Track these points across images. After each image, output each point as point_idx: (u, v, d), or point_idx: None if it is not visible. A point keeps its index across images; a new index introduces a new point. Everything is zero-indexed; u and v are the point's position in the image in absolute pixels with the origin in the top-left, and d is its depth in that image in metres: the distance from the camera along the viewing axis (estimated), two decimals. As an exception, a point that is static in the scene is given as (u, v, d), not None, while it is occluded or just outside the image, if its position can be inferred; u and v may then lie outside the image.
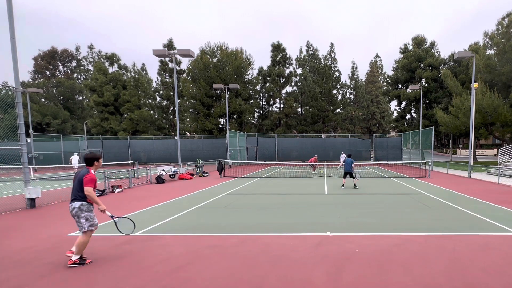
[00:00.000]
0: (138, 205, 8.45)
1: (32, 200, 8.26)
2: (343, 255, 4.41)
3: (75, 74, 54.50)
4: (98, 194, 10.21)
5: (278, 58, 40.35)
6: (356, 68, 54.33)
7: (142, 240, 5.27)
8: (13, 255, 4.54)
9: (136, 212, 7.43)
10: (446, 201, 8.96)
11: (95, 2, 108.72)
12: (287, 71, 41.52)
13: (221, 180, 15.05)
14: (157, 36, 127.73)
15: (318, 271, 3.86)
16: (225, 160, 18.17)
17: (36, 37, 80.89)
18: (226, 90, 25.68)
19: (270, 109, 43.08)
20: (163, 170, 14.68)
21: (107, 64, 40.23)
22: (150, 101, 42.14)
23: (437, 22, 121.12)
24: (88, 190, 3.98)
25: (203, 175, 17.55)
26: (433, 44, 40.06)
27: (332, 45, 48.41)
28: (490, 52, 28.80)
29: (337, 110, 42.25)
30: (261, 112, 42.74)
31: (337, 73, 44.57)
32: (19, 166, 8.48)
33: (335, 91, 41.96)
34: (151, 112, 40.78)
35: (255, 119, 42.61)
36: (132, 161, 22.98)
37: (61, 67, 54.07)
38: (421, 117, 25.99)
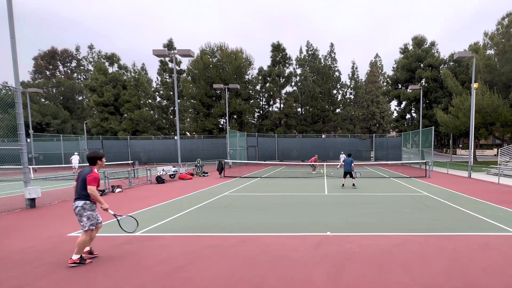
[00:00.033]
0: (138, 205, 8.45)
1: (32, 200, 8.26)
2: (343, 255, 4.41)
3: (75, 74, 54.51)
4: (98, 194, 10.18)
5: (278, 58, 40.35)
6: (356, 68, 54.39)
7: (142, 240, 5.27)
8: (13, 255, 4.54)
9: (136, 212, 7.43)
10: (446, 201, 8.96)
11: (95, 2, 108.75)
12: (287, 71, 41.54)
13: (221, 180, 15.05)
14: (157, 36, 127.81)
15: (318, 271, 3.86)
16: (225, 160, 18.18)
17: (36, 37, 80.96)
18: (226, 90, 25.68)
19: (270, 109, 43.09)
20: (163, 170, 14.68)
21: (107, 64, 40.24)
22: (150, 101, 42.14)
23: (437, 22, 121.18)
24: (91, 189, 4.01)
25: (203, 175, 17.55)
26: (433, 44, 40.08)
27: (332, 45, 48.46)
28: (490, 52, 28.81)
29: (337, 110, 42.25)
30: (261, 112, 42.74)
31: (337, 73, 44.58)
32: (19, 166, 8.49)
33: (335, 91, 41.97)
34: (151, 112, 40.78)
35: (255, 119, 42.61)
36: (132, 161, 22.99)
37: (61, 67, 54.08)
38: (421, 117, 25.99)
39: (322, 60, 43.90)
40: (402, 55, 41.33)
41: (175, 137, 27.40)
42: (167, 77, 42.00)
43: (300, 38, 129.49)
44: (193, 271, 3.87)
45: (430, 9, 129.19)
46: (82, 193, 4.07)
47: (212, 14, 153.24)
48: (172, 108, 43.28)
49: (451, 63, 38.85)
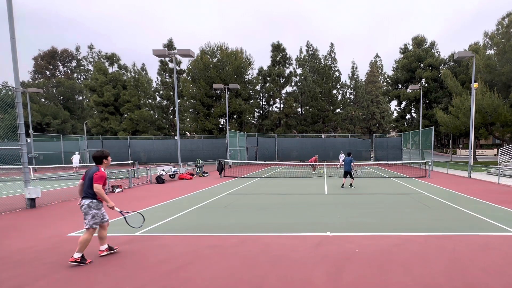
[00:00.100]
0: (138, 205, 8.45)
1: (32, 200, 8.26)
2: (343, 255, 4.41)
3: (75, 74, 54.51)
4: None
5: (278, 58, 40.35)
6: (356, 68, 54.41)
7: (142, 240, 5.27)
8: (13, 255, 4.54)
9: (135, 212, 7.42)
10: (446, 201, 8.96)
11: (95, 2, 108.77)
12: (287, 71, 41.54)
13: (221, 180, 15.05)
14: (157, 36, 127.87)
15: (318, 271, 3.86)
16: (225, 160, 18.18)
17: (36, 37, 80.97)
18: (226, 90, 25.68)
19: (270, 109, 43.08)
20: (163, 170, 14.68)
21: (107, 64, 40.22)
22: (150, 101, 42.13)
23: (437, 22, 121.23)
24: (97, 187, 4.06)
25: (203, 175, 17.55)
26: (433, 44, 40.08)
27: (332, 45, 48.49)
28: (490, 52, 28.81)
29: (337, 110, 42.25)
30: (261, 112, 42.74)
31: (337, 73, 44.59)
32: (19, 166, 8.49)
33: (335, 91, 41.97)
34: (151, 112, 40.77)
35: (255, 119, 42.61)
36: (132, 161, 22.98)
37: (61, 67, 54.09)
38: (421, 117, 25.98)
39: (322, 60, 43.91)
40: (402, 55, 41.33)
41: (175, 137, 27.41)
42: (167, 77, 42.00)
43: (300, 38, 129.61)
44: (193, 271, 3.87)
45: (430, 9, 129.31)
46: (89, 192, 4.13)
47: (212, 14, 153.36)
48: (172, 108, 43.28)
49: (451, 63, 38.85)
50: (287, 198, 9.63)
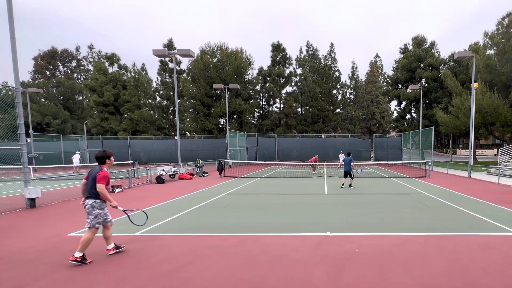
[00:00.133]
0: (138, 205, 8.44)
1: (32, 200, 8.26)
2: (343, 255, 4.41)
3: (75, 74, 54.52)
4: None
5: (278, 58, 40.35)
6: (356, 68, 54.43)
7: (142, 240, 5.27)
8: (13, 255, 4.54)
9: (135, 212, 7.42)
10: (446, 201, 8.96)
11: (95, 2, 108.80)
12: (287, 71, 41.54)
13: (221, 180, 15.05)
14: (157, 36, 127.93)
15: (318, 271, 3.86)
16: (225, 160, 18.17)
17: (36, 37, 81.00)
18: (226, 90, 25.68)
19: (270, 109, 43.09)
20: (163, 170, 14.68)
21: (107, 64, 40.22)
22: (150, 101, 42.13)
23: (437, 22, 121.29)
24: (100, 187, 4.09)
25: (203, 175, 17.55)
26: (433, 44, 40.07)
27: (332, 45, 48.50)
28: (490, 52, 28.81)
29: (337, 110, 42.25)
30: (261, 112, 42.74)
31: (337, 73, 44.59)
32: (19, 166, 8.48)
33: (335, 91, 41.97)
34: (151, 112, 40.77)
35: (255, 119, 42.61)
36: (132, 161, 22.98)
37: (61, 67, 54.10)
38: (421, 117, 25.98)
39: (322, 60, 43.91)
40: (402, 55, 41.33)
41: (175, 137, 27.41)
42: (167, 77, 42.00)
43: (300, 38, 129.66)
44: (193, 271, 3.87)
45: (430, 9, 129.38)
46: (92, 192, 4.17)
47: (212, 14, 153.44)
48: (172, 108, 43.28)
49: (451, 63, 38.85)
50: (287, 198, 9.63)
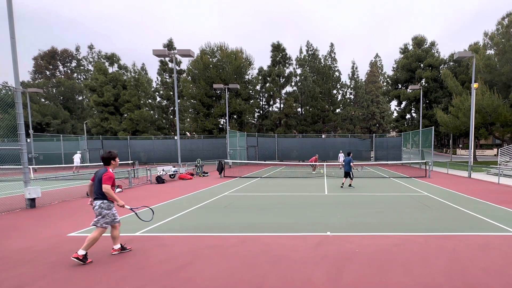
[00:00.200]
0: (138, 205, 8.42)
1: (32, 200, 8.26)
2: (343, 255, 4.41)
3: (75, 74, 54.51)
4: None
5: (278, 58, 40.34)
6: (356, 68, 54.41)
7: (142, 240, 5.27)
8: (13, 255, 4.54)
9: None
10: (446, 201, 8.96)
11: (94, 2, 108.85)
12: (287, 71, 41.52)
13: (221, 180, 15.05)
14: (157, 36, 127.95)
15: (318, 271, 3.86)
16: (225, 160, 18.17)
17: (36, 37, 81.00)
18: (226, 90, 25.67)
19: (270, 109, 43.07)
20: (163, 170, 14.68)
21: (107, 64, 40.21)
22: (150, 101, 42.12)
23: (437, 22, 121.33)
24: (105, 187, 4.15)
25: (203, 175, 17.55)
26: (433, 44, 40.05)
27: (332, 45, 48.49)
28: (490, 52, 28.80)
29: (337, 110, 42.24)
30: (261, 112, 42.73)
31: (337, 73, 44.57)
32: (19, 166, 8.49)
33: (335, 91, 41.96)
34: (151, 112, 40.76)
35: (255, 119, 42.60)
36: (132, 161, 22.98)
37: (61, 67, 54.10)
38: (421, 117, 25.98)
39: (322, 60, 43.89)
40: (402, 55, 41.31)
41: (175, 137, 27.40)
42: (167, 77, 42.00)
43: (300, 38, 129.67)
44: (193, 271, 3.87)
45: (430, 9, 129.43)
46: (99, 193, 4.24)
47: (212, 14, 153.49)
48: (172, 108, 43.27)
49: (451, 63, 38.84)
50: (287, 198, 9.63)
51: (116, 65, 40.66)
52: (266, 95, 41.50)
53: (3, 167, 15.07)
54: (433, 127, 19.82)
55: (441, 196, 9.89)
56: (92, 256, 4.34)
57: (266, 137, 32.78)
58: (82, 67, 54.42)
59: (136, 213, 4.71)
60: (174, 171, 15.52)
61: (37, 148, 26.31)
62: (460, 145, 51.29)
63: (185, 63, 53.89)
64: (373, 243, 4.98)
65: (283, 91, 42.54)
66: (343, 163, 12.67)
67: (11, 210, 7.94)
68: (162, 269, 3.96)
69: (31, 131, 25.60)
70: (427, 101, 40.68)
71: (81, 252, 4.11)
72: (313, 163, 19.30)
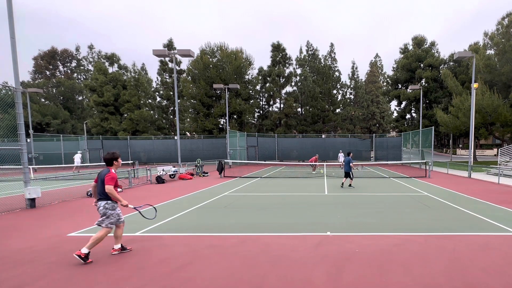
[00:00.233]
0: (138, 205, 8.44)
1: (32, 200, 8.26)
2: (343, 255, 4.41)
3: (75, 74, 54.51)
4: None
5: (278, 58, 40.34)
6: (356, 68, 54.41)
7: (142, 240, 5.27)
8: (13, 255, 4.54)
9: (136, 212, 7.42)
10: (446, 201, 8.96)
11: (94, 2, 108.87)
12: (287, 71, 41.53)
13: (221, 180, 15.05)
14: (157, 36, 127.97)
15: (318, 271, 3.86)
16: (225, 160, 18.17)
17: (36, 37, 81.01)
18: (226, 90, 25.68)
19: (270, 109, 43.08)
20: (163, 170, 14.68)
21: (107, 64, 40.21)
22: (150, 101, 42.13)
23: (437, 22, 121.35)
24: (108, 188, 4.19)
25: (203, 175, 17.55)
26: (433, 44, 40.05)
27: (332, 45, 48.50)
28: (490, 52, 28.80)
29: (337, 110, 42.24)
30: (261, 112, 42.74)
31: (337, 73, 44.59)
32: (19, 166, 8.49)
33: (335, 91, 41.97)
34: (151, 112, 40.76)
35: (255, 119, 42.61)
36: (132, 161, 22.97)
37: (61, 67, 54.10)
38: (421, 117, 25.98)
39: (322, 60, 43.90)
40: (402, 55, 41.31)
41: (175, 137, 27.40)
42: (167, 77, 42.00)
43: (300, 38, 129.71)
44: (193, 271, 3.87)
45: (430, 9, 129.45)
46: (103, 193, 4.28)
47: (212, 14, 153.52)
48: (172, 108, 43.28)
49: (451, 63, 38.84)
50: (287, 198, 9.63)
51: (116, 65, 40.68)
52: (266, 95, 41.50)
53: (3, 167, 15.07)
54: (433, 127, 19.82)
55: (441, 196, 9.89)
56: (92, 256, 4.34)
57: (266, 137, 32.78)
58: (82, 67, 54.43)
59: (140, 212, 4.77)
60: (174, 171, 15.52)
61: (37, 148, 26.31)
62: (460, 145, 51.29)
63: (185, 63, 53.91)
64: (373, 243, 4.98)
65: (283, 91, 42.57)
66: (343, 163, 12.68)
67: (11, 210, 7.94)
68: (162, 269, 3.96)
69: (31, 131, 25.60)
70: (427, 101, 40.69)
71: (84, 250, 4.13)
72: (313, 163, 19.30)
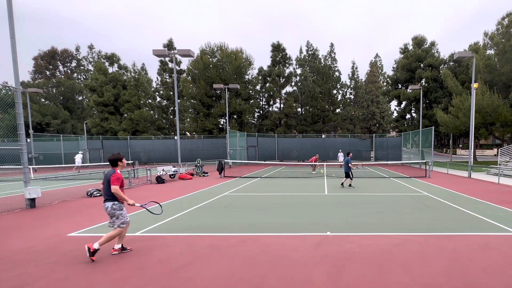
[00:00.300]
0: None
1: (32, 200, 8.26)
2: (343, 255, 4.41)
3: (75, 74, 54.52)
4: (98, 194, 10.24)
5: (278, 58, 40.35)
6: (356, 68, 54.41)
7: (142, 240, 5.27)
8: (13, 255, 4.54)
9: (136, 212, 7.42)
10: (446, 201, 8.96)
11: (94, 2, 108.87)
12: (287, 71, 41.54)
13: (221, 180, 15.05)
14: (157, 36, 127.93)
15: (318, 271, 3.86)
16: (225, 160, 18.17)
17: (36, 37, 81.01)
18: (226, 90, 25.68)
19: (270, 109, 43.08)
20: (163, 170, 14.68)
21: (107, 64, 40.23)
22: (150, 101, 42.14)
23: (437, 22, 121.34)
24: (114, 188, 4.26)
25: (203, 175, 17.55)
26: (433, 44, 40.06)
27: (332, 45, 48.49)
28: (490, 52, 28.80)
29: (337, 110, 42.25)
30: (261, 112, 42.74)
31: (337, 73, 44.59)
32: (19, 166, 8.49)
33: (335, 91, 41.97)
34: (151, 112, 40.78)
35: (255, 119, 42.61)
36: (132, 161, 22.96)
37: (61, 67, 54.09)
38: (421, 117, 25.98)
39: (322, 60, 43.90)
40: (402, 55, 41.32)
41: (175, 137, 27.40)
42: (167, 77, 42.00)
43: (300, 38, 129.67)
44: (193, 271, 3.87)
45: (430, 9, 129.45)
46: (109, 194, 4.34)
47: (212, 14, 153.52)
48: (172, 108, 43.28)
49: (451, 63, 38.84)
50: (287, 198, 9.63)
51: (116, 65, 40.70)
52: (266, 95, 41.51)
53: (3, 167, 15.07)
54: (433, 127, 19.82)
55: (441, 196, 9.89)
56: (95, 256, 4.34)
57: (266, 137, 32.77)
58: (82, 67, 54.43)
59: (147, 209, 4.84)
60: (174, 171, 15.52)
61: (37, 148, 26.30)
62: (460, 145, 51.29)
63: (185, 63, 53.90)
64: (373, 243, 4.98)
65: (283, 91, 42.58)
66: (343, 163, 12.70)
67: (11, 210, 7.94)
68: (162, 269, 3.96)
69: (31, 131, 25.59)
70: (427, 101, 40.69)
71: (96, 245, 4.22)
72: (313, 163, 19.30)
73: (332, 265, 4.03)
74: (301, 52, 44.67)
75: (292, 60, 42.00)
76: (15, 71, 7.84)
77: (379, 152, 31.08)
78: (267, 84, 40.11)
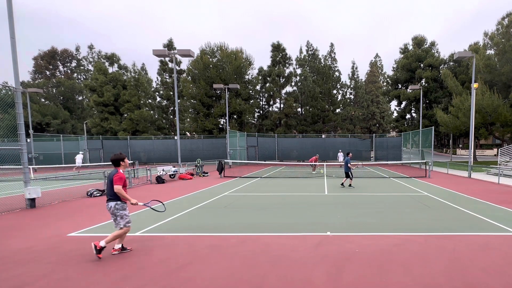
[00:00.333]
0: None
1: (32, 200, 8.26)
2: (343, 255, 4.41)
3: (75, 74, 54.53)
4: (98, 194, 10.24)
5: (278, 58, 40.34)
6: (356, 68, 54.40)
7: (142, 240, 5.27)
8: (13, 255, 4.54)
9: (136, 212, 7.43)
10: (446, 201, 8.96)
11: (94, 2, 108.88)
12: (287, 71, 41.53)
13: (221, 180, 15.05)
14: (157, 36, 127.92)
15: (318, 271, 3.86)
16: (225, 160, 18.17)
17: (36, 37, 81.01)
18: (226, 90, 25.68)
19: (270, 109, 43.08)
20: (163, 170, 14.68)
21: (107, 64, 40.24)
22: (150, 101, 42.15)
23: (437, 22, 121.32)
24: (117, 188, 4.28)
25: (203, 175, 17.55)
26: (433, 44, 40.06)
27: (332, 45, 48.48)
28: (490, 52, 28.80)
29: (337, 110, 42.24)
30: (261, 112, 42.74)
31: (337, 73, 44.58)
32: (19, 166, 8.49)
33: (335, 91, 41.97)
34: (151, 112, 40.78)
35: (255, 119, 42.60)
36: (132, 161, 22.92)
37: (61, 67, 54.10)
38: (421, 117, 25.98)
39: (322, 60, 43.89)
40: (402, 55, 41.32)
41: (175, 137, 27.39)
42: (167, 77, 42.00)
43: (300, 38, 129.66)
44: (193, 271, 3.87)
45: (430, 9, 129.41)
46: (111, 194, 4.37)
47: (212, 14, 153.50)
48: (172, 108, 43.28)
49: (451, 63, 38.84)
50: (287, 198, 9.63)
51: (116, 65, 40.70)
52: (266, 95, 41.50)
53: (3, 167, 15.07)
54: (433, 127, 19.82)
55: (441, 196, 9.89)
56: (92, 256, 4.34)
57: (266, 137, 32.77)
58: (82, 67, 54.44)
59: (151, 207, 4.90)
60: (174, 171, 15.52)
61: (37, 148, 26.30)
62: (460, 145, 51.29)
63: (185, 63, 53.87)
64: (373, 243, 4.98)
65: (283, 91, 42.57)
66: (343, 163, 12.72)
67: (11, 210, 7.94)
68: (162, 269, 3.96)
69: (31, 131, 25.59)
70: (427, 101, 40.69)
71: (102, 243, 4.25)
72: (313, 163, 19.30)
73: (332, 265, 4.03)
74: (301, 52, 44.69)
75: (292, 60, 42.02)
76: (15, 71, 7.84)
77: (379, 152, 31.07)
78: (267, 84, 40.11)
